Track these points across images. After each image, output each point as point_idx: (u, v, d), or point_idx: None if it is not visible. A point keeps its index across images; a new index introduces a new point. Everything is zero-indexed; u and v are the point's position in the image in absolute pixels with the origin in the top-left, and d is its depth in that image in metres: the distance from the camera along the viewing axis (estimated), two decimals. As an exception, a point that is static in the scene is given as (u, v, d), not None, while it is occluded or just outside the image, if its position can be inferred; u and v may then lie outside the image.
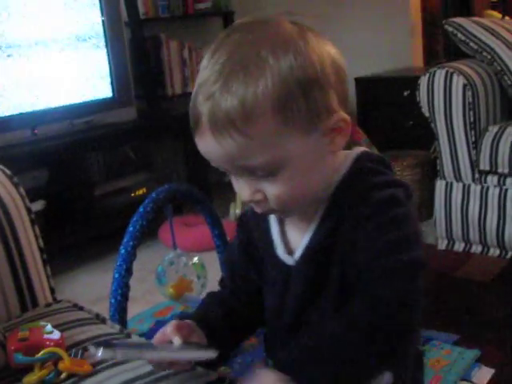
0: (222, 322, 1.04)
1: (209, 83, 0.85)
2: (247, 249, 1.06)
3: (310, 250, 0.95)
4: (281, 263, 0.99)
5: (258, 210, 0.94)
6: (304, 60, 0.86)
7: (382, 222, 0.88)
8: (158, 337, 0.97)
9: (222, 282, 1.15)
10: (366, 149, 1.01)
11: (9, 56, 2.97)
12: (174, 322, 0.98)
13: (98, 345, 0.87)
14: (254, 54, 0.85)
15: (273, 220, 1.02)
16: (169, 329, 0.96)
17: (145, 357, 0.92)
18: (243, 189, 0.91)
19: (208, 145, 0.88)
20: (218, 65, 0.86)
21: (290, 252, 0.99)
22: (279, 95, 0.84)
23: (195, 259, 2.38)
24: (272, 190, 0.89)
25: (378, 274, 0.87)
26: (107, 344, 0.89)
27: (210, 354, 0.90)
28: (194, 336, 0.98)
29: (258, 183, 0.89)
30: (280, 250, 0.99)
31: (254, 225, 1.05)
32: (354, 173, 0.94)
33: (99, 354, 0.85)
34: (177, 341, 0.94)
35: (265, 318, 1.06)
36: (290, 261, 0.98)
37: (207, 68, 0.87)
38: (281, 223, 1.01)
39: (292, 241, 0.99)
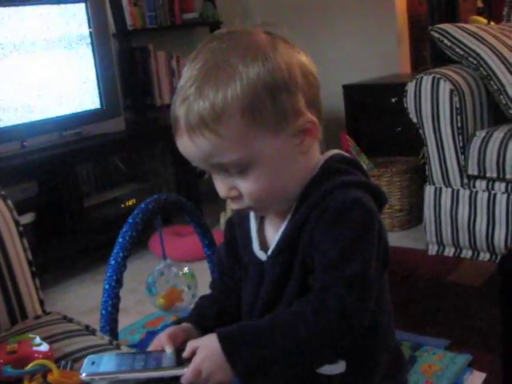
0: (216, 321, 1.08)
1: (185, 87, 0.93)
2: (233, 248, 1.12)
3: (278, 246, 1.01)
4: (256, 259, 1.05)
5: (235, 206, 1.00)
6: (271, 66, 0.92)
7: (336, 228, 0.93)
8: (154, 343, 1.02)
9: (212, 284, 1.20)
10: (339, 151, 1.06)
11: (-4, 69, 2.97)
12: (168, 330, 1.03)
13: (84, 367, 0.96)
14: (225, 61, 0.92)
15: (252, 218, 1.08)
16: (163, 337, 1.00)
17: (121, 378, 0.95)
18: (220, 186, 0.98)
19: (185, 145, 0.95)
20: (194, 70, 0.93)
21: (266, 249, 1.04)
22: (247, 98, 0.91)
23: (185, 269, 2.37)
24: (245, 186, 0.96)
25: (323, 285, 0.92)
26: (92, 365, 0.97)
27: (180, 372, 0.93)
28: (188, 339, 1.00)
29: (232, 181, 0.96)
30: (255, 247, 1.06)
31: (237, 224, 1.11)
32: (321, 172, 1.00)
33: (82, 376, 0.95)
34: (168, 349, 0.98)
35: (241, 315, 1.10)
36: (263, 257, 1.04)
37: (186, 73, 0.95)
38: (260, 221, 1.07)
39: (268, 238, 1.06)
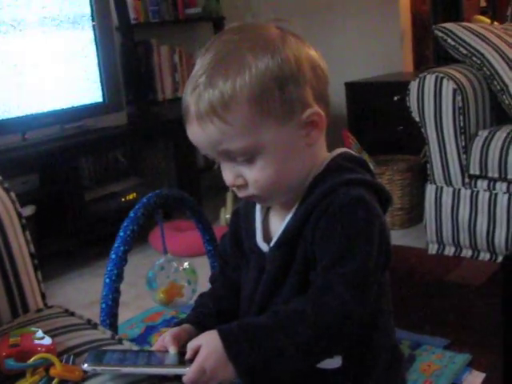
0: (216, 320, 1.09)
1: (196, 76, 0.96)
2: (237, 239, 1.14)
3: (281, 239, 1.02)
4: (258, 250, 1.07)
5: (240, 194, 1.02)
6: (280, 59, 0.95)
7: (338, 225, 0.95)
8: (157, 344, 1.03)
9: (212, 277, 1.22)
10: (347, 149, 1.08)
11: (-1, 61, 2.96)
12: (171, 331, 1.04)
13: (86, 358, 0.97)
14: (236, 51, 0.95)
15: (258, 210, 1.09)
16: (167, 338, 1.02)
17: (123, 372, 0.96)
18: (226, 174, 1.00)
19: (195, 132, 0.97)
20: (206, 60, 0.97)
21: (268, 240, 1.06)
22: (255, 88, 0.93)
23: (186, 264, 2.37)
24: (250, 175, 0.98)
25: (324, 283, 0.94)
26: (95, 357, 0.97)
27: (183, 371, 0.93)
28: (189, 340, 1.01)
29: (238, 169, 0.98)
30: (258, 237, 1.07)
31: (243, 216, 1.13)
32: (328, 168, 1.02)
33: (84, 366, 0.95)
34: (172, 350, 0.99)
35: (240, 309, 1.11)
36: (265, 248, 1.05)
37: (198, 64, 0.98)
38: (265, 213, 1.09)
39: (272, 230, 1.07)
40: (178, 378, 0.93)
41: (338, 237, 0.94)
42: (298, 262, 0.99)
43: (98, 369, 0.95)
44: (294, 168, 0.99)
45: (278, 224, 1.04)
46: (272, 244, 1.04)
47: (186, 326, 1.07)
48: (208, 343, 0.93)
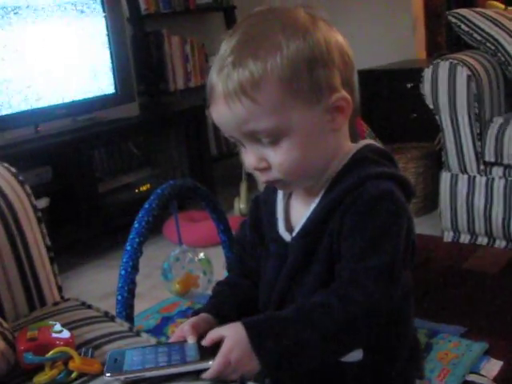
0: (234, 309, 1.09)
1: (224, 57, 0.95)
2: (257, 227, 1.13)
3: (305, 228, 1.01)
4: (280, 239, 1.05)
5: (263, 178, 1.00)
6: (312, 41, 0.94)
7: (367, 218, 0.95)
8: (176, 334, 1.03)
9: (229, 265, 1.23)
10: (373, 141, 1.07)
11: (12, 53, 2.96)
12: (190, 321, 1.03)
13: (107, 366, 0.96)
14: (266, 31, 0.95)
15: (279, 199, 1.09)
16: (186, 327, 1.01)
17: (147, 377, 0.95)
18: (249, 157, 0.98)
19: (220, 112, 0.96)
20: (233, 41, 0.95)
21: (290, 230, 1.05)
22: (286, 69, 0.92)
23: (201, 255, 2.38)
24: (275, 157, 0.96)
25: (351, 276, 0.93)
26: (115, 363, 0.96)
27: (205, 365, 0.93)
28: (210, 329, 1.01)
29: (263, 151, 0.97)
30: (281, 227, 1.06)
31: (263, 203, 1.12)
32: (354, 160, 1.01)
33: (106, 376, 0.94)
34: (191, 340, 0.99)
35: (259, 297, 1.10)
36: (288, 237, 1.04)
37: (224, 45, 0.96)
38: (286, 203, 1.08)
39: (293, 219, 1.07)
40: (202, 371, 0.93)
41: (367, 230, 0.94)
42: (322, 252, 0.98)
43: (122, 378, 0.94)
44: (319, 153, 0.98)
45: (301, 213, 1.03)
46: (295, 233, 1.03)
47: (204, 315, 1.06)
48: (232, 335, 0.93)
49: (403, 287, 0.96)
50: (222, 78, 0.94)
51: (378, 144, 1.07)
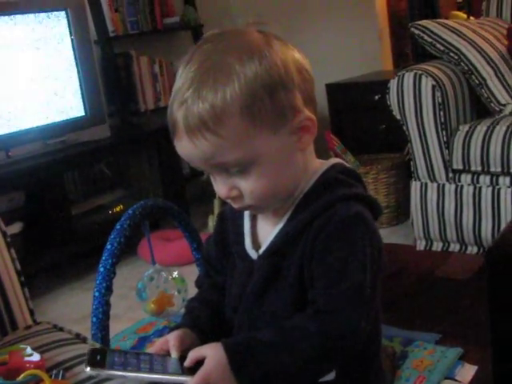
0: (209, 322, 1.09)
1: (182, 90, 0.92)
2: (222, 242, 1.12)
3: (271, 248, 1.01)
4: (247, 257, 1.05)
5: (236, 206, 0.99)
6: (268, 64, 0.92)
7: (338, 242, 0.94)
8: (158, 344, 1.02)
9: (197, 281, 1.21)
10: (340, 161, 1.07)
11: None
12: (174, 334, 1.03)
13: (88, 360, 0.93)
14: (222, 61, 0.92)
15: (246, 215, 1.08)
16: (171, 342, 1.01)
17: (128, 377, 0.95)
18: (220, 187, 0.97)
19: (185, 147, 0.94)
20: (190, 73, 0.93)
21: (257, 247, 1.04)
22: (246, 98, 0.90)
23: (175, 274, 2.37)
24: (246, 185, 0.95)
25: (327, 302, 0.93)
26: (97, 360, 0.94)
27: (185, 380, 0.93)
28: (191, 344, 1.01)
29: (233, 180, 0.96)
30: (248, 244, 1.06)
31: (230, 219, 1.11)
32: (322, 182, 1.00)
33: (87, 370, 0.92)
34: (174, 354, 0.99)
35: (225, 312, 1.10)
36: (254, 255, 1.04)
37: (181, 76, 0.94)
38: (253, 219, 1.07)
39: (260, 237, 1.06)
40: None
41: (339, 254, 0.93)
42: (292, 275, 0.98)
43: (103, 373, 0.93)
44: (289, 175, 0.98)
45: (267, 231, 1.03)
46: (261, 252, 1.03)
47: (184, 329, 1.06)
48: (213, 356, 0.92)
49: (376, 304, 0.97)
50: (181, 113, 0.92)
51: (344, 163, 1.06)
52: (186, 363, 0.94)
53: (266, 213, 1.04)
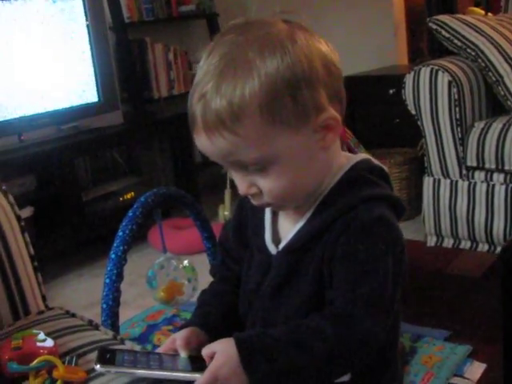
0: (220, 318, 1.08)
1: (202, 83, 0.90)
2: (240, 231, 1.10)
3: (292, 245, 0.99)
4: (265, 250, 1.03)
5: (255, 202, 0.97)
6: (291, 60, 0.88)
7: (360, 245, 0.92)
8: (167, 344, 1.02)
9: (213, 269, 1.20)
10: (369, 157, 1.03)
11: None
12: (182, 334, 1.02)
13: (98, 358, 0.94)
14: (242, 55, 0.88)
15: (267, 209, 1.05)
16: (178, 342, 1.00)
17: (137, 375, 0.95)
18: (239, 183, 0.95)
19: (203, 142, 0.92)
20: (211, 65, 0.90)
21: (277, 242, 1.02)
22: (266, 95, 0.87)
23: (185, 262, 2.37)
24: (265, 184, 0.93)
25: (345, 305, 0.91)
26: (106, 358, 0.95)
27: (194, 377, 0.92)
28: (200, 343, 1.00)
29: (252, 178, 0.93)
30: (268, 238, 1.03)
31: (250, 209, 1.07)
32: (347, 180, 0.97)
33: (97, 367, 0.93)
34: (183, 354, 0.98)
35: (239, 304, 1.09)
36: (273, 250, 1.02)
37: (202, 68, 0.91)
38: (274, 213, 1.05)
39: (281, 232, 1.03)
40: (191, 383, 0.92)
41: (359, 258, 0.91)
42: (311, 273, 0.96)
43: (112, 370, 0.94)
44: (310, 174, 0.95)
45: (289, 227, 1.01)
46: (281, 248, 1.01)
47: (192, 328, 1.04)
48: (223, 351, 0.91)
49: (396, 311, 0.95)
50: (200, 107, 0.89)
51: (371, 159, 1.03)
52: (207, 362, 0.92)
53: (285, 210, 1.02)
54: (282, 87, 0.87)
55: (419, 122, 2.73)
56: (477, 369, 1.94)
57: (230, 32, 0.93)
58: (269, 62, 0.87)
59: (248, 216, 1.09)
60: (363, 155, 1.03)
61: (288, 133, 0.90)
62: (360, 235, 0.92)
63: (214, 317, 1.08)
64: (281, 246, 1.01)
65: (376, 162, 1.03)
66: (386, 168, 1.03)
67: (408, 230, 3.17)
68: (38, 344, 1.05)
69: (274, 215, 1.05)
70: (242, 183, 0.94)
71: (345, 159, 1.01)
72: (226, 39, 0.92)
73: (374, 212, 0.93)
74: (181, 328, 1.06)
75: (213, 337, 1.01)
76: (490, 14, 3.90)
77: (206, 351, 0.93)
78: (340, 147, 1.00)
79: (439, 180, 2.75)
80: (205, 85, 0.89)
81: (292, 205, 0.99)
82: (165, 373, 0.94)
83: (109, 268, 1.80)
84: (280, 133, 0.89)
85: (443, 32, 2.76)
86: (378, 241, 0.92)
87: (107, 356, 0.95)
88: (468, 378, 1.90)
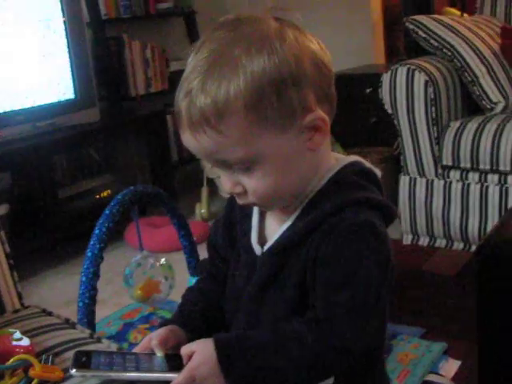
0: (203, 319, 1.07)
1: (189, 80, 0.89)
2: (229, 229, 1.09)
3: (276, 246, 0.97)
4: (251, 251, 1.02)
5: (240, 201, 0.96)
6: (278, 59, 0.86)
7: (343, 250, 0.90)
8: (143, 343, 1.01)
9: (200, 266, 1.20)
10: (360, 159, 1.01)
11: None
12: (159, 333, 1.01)
13: (74, 363, 0.93)
14: (229, 53, 0.87)
15: (255, 209, 1.04)
16: (153, 342, 0.99)
17: (113, 377, 0.95)
18: (224, 181, 0.94)
19: (188, 139, 0.91)
20: (198, 62, 0.88)
21: (262, 243, 1.01)
22: (251, 94, 0.85)
23: (162, 260, 2.37)
24: (249, 183, 0.92)
25: (326, 313, 0.89)
26: (82, 361, 0.94)
27: (171, 377, 0.92)
28: (179, 342, 1.00)
29: (236, 177, 0.92)
30: (253, 238, 1.02)
31: (239, 208, 1.06)
32: (335, 182, 0.95)
33: (72, 372, 0.92)
34: (159, 353, 0.98)
35: (224, 305, 1.08)
36: (258, 250, 1.01)
37: (190, 64, 0.90)
38: (262, 213, 1.04)
39: (267, 232, 1.02)
40: (168, 383, 0.92)
41: (342, 263, 0.89)
42: (294, 277, 0.94)
43: (88, 374, 0.94)
44: (296, 175, 0.93)
45: (274, 229, 1.00)
46: (265, 249, 0.99)
47: (172, 327, 1.04)
48: (202, 351, 0.90)
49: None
50: (185, 104, 0.88)
51: (363, 161, 1.00)
52: (184, 361, 0.92)
53: (271, 210, 1.01)
54: (267, 86, 0.86)
55: (395, 121, 2.74)
56: (452, 366, 1.97)
57: (220, 28, 0.91)
58: (255, 61, 0.86)
59: (237, 215, 1.07)
60: (355, 157, 1.01)
61: (273, 133, 0.88)
62: (343, 239, 0.90)
63: (195, 316, 1.07)
64: (266, 247, 1.00)
65: (368, 164, 1.01)
66: (378, 171, 1.01)
67: (384, 229, 3.18)
68: (14, 343, 1.05)
69: (262, 215, 1.04)
70: (226, 182, 0.93)
71: (334, 161, 0.99)
72: (216, 35, 0.90)
73: (360, 216, 0.91)
74: (160, 326, 1.05)
75: (195, 336, 1.01)
76: (465, 14, 3.94)
77: (184, 350, 0.93)
78: (330, 148, 0.98)
79: (415, 179, 2.77)
80: (191, 81, 0.88)
81: (277, 205, 0.98)
82: (141, 374, 0.94)
83: (85, 266, 1.79)
84: (265, 132, 0.88)
85: (420, 32, 2.78)
86: (362, 246, 0.90)
87: (83, 359, 0.95)
88: (443, 375, 1.92)
